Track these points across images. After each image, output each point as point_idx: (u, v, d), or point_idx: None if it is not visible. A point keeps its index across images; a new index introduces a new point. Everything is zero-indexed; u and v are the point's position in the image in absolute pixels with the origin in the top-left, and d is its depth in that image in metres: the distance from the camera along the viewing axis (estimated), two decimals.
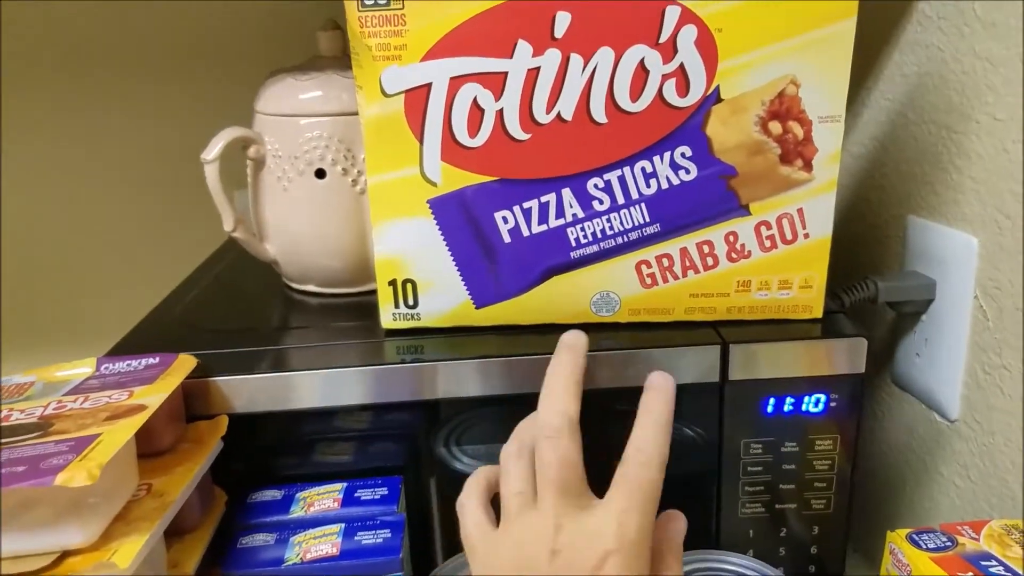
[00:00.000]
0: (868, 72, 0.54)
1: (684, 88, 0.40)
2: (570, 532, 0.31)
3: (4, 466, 0.31)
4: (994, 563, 0.37)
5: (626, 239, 0.43)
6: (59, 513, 0.32)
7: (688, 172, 0.41)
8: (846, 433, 0.45)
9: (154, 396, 0.37)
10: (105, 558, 0.32)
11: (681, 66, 0.40)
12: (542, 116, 0.41)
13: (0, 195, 0.76)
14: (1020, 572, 0.36)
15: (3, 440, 0.34)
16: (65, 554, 0.32)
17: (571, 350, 0.37)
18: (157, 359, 0.42)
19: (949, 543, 0.39)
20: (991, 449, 0.45)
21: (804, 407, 0.44)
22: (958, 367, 0.47)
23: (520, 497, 0.33)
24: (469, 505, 0.35)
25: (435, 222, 0.43)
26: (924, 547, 0.38)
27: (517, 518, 0.32)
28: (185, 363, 0.41)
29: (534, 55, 0.40)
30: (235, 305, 0.55)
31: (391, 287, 0.45)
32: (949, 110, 0.46)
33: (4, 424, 0.36)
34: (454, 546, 0.46)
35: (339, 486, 0.43)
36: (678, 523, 0.35)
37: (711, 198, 0.42)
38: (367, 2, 0.39)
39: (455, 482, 0.46)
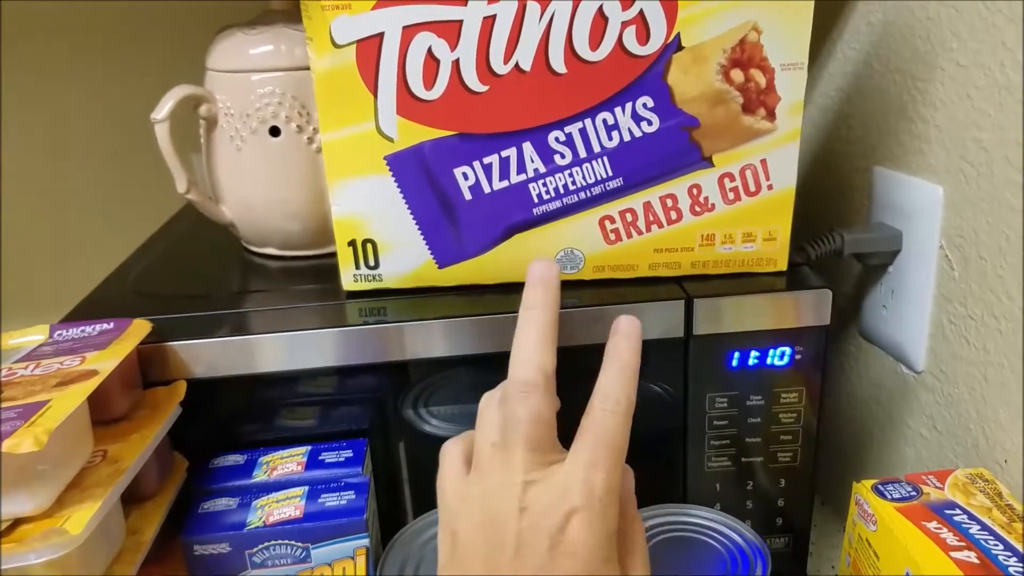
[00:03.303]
0: (834, 22, 0.53)
1: (644, 36, 0.39)
2: (537, 489, 0.30)
3: None
4: (958, 511, 0.38)
5: (589, 194, 0.42)
6: (8, 481, 0.31)
7: (650, 123, 0.41)
8: (811, 386, 0.45)
9: (107, 362, 0.37)
10: (57, 525, 0.31)
11: (640, 13, 0.38)
12: (500, 67, 0.40)
13: None
14: (984, 520, 0.37)
15: None
16: (17, 522, 0.32)
17: (545, 287, 0.34)
18: (111, 324, 0.41)
19: (914, 493, 0.39)
20: (956, 400, 0.45)
21: (769, 360, 0.44)
22: (924, 318, 0.47)
23: (493, 448, 0.32)
24: (452, 451, 0.34)
25: (393, 179, 0.42)
26: (889, 497, 0.39)
27: (488, 469, 0.32)
28: (140, 328, 0.40)
29: (489, 2, 0.38)
30: (193, 269, 0.54)
31: (351, 248, 0.44)
32: (914, 59, 0.45)
33: None
34: (423, 508, 0.46)
35: (303, 449, 0.43)
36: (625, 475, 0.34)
37: (674, 150, 0.41)
38: None
39: (424, 444, 0.46)
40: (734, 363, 0.44)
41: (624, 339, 0.34)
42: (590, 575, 0.29)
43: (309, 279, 0.49)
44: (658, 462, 0.47)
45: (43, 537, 0.31)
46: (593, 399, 0.33)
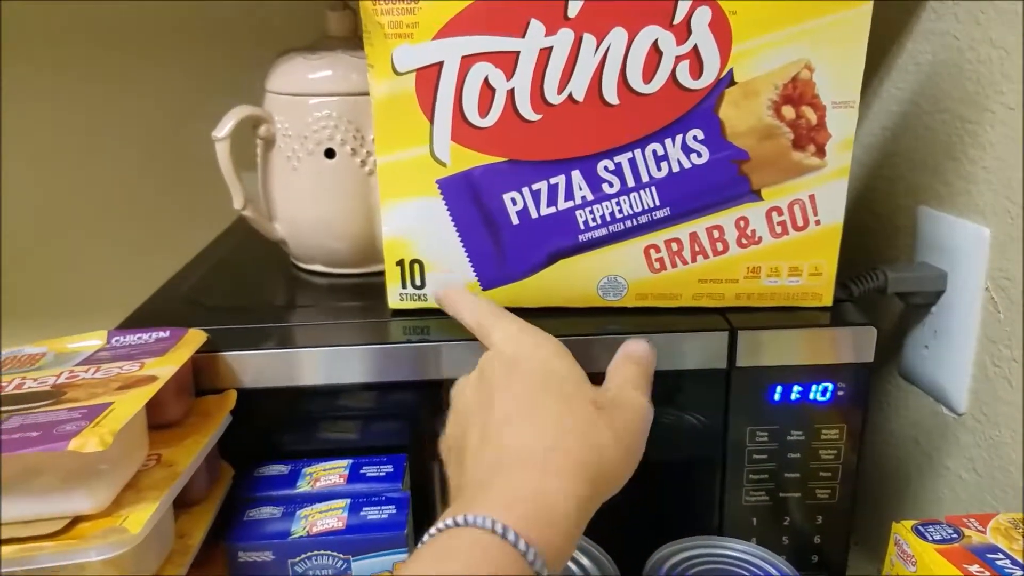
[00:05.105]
0: (880, 61, 0.54)
1: (697, 70, 0.40)
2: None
3: (19, 431, 0.31)
4: (1000, 556, 0.37)
5: (635, 223, 0.43)
6: (69, 479, 0.32)
7: (700, 155, 0.41)
8: (852, 423, 0.45)
9: (165, 368, 0.38)
10: (116, 523, 0.32)
11: (695, 48, 0.39)
12: (553, 96, 0.41)
13: (2, 170, 0.76)
14: None
15: (17, 407, 0.34)
16: (76, 520, 0.33)
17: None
18: (167, 333, 0.42)
19: (955, 535, 0.38)
20: (997, 443, 0.45)
21: (811, 396, 0.44)
22: (967, 360, 0.47)
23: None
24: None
25: (444, 202, 0.43)
26: (930, 539, 0.38)
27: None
28: (195, 337, 0.42)
29: (547, 35, 0.40)
30: (243, 283, 0.55)
31: (399, 267, 0.45)
32: (963, 99, 0.46)
33: (17, 392, 0.36)
34: None
35: (345, 462, 0.43)
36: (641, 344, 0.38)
37: (722, 182, 0.42)
38: None
39: None
40: (776, 397, 0.44)
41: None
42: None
43: (354, 296, 0.50)
44: (695, 493, 0.47)
45: (103, 535, 0.31)
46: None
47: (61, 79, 0.74)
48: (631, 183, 0.42)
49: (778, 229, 0.43)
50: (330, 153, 0.49)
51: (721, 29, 0.39)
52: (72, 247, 0.79)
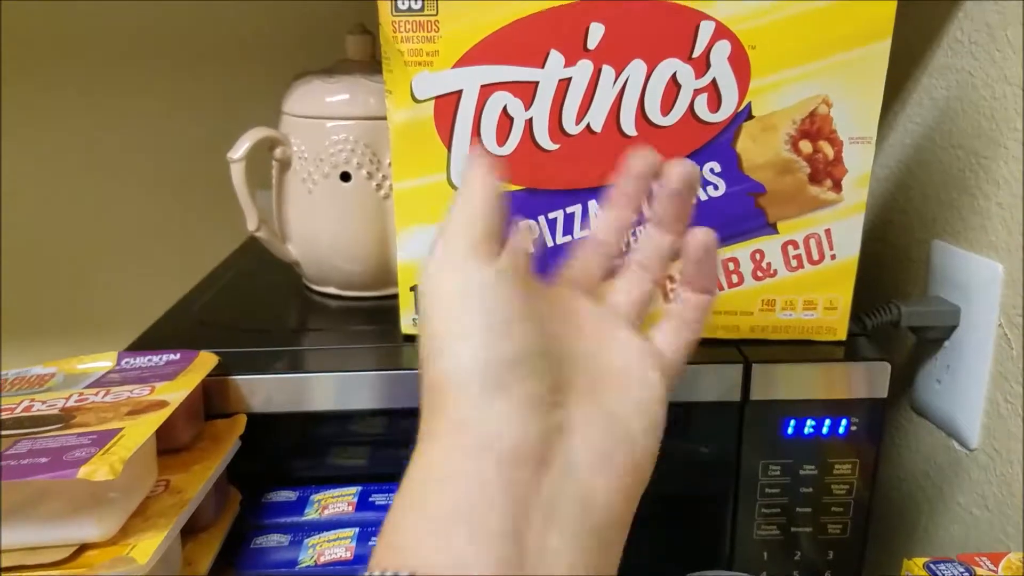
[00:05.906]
0: (896, 95, 0.54)
1: (716, 104, 0.40)
2: None
3: (28, 456, 0.31)
4: None
5: None
6: (77, 506, 0.32)
7: (716, 188, 0.41)
8: (865, 458, 0.44)
9: (175, 392, 0.37)
10: (123, 553, 0.32)
11: (713, 81, 0.40)
12: (571, 127, 0.41)
13: (12, 187, 0.76)
14: None
15: (26, 430, 0.34)
16: (83, 548, 0.32)
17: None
18: (178, 355, 0.42)
19: (967, 573, 0.38)
20: (1010, 479, 0.44)
21: (824, 430, 0.44)
22: (979, 395, 0.46)
23: None
24: None
25: None
26: None
27: None
28: (206, 361, 0.41)
29: (566, 65, 0.40)
30: (254, 305, 0.55)
31: (413, 292, 0.45)
32: (978, 135, 0.46)
33: (26, 415, 0.36)
34: None
35: (354, 490, 0.43)
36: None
37: (739, 215, 0.42)
38: (401, 7, 0.39)
39: None
40: (789, 431, 0.43)
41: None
42: None
43: (367, 320, 0.50)
44: (706, 526, 0.46)
45: (111, 565, 0.31)
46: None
47: (72, 95, 0.74)
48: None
49: (793, 263, 0.43)
50: (346, 176, 0.49)
51: (740, 63, 0.39)
52: (84, 266, 0.79)
